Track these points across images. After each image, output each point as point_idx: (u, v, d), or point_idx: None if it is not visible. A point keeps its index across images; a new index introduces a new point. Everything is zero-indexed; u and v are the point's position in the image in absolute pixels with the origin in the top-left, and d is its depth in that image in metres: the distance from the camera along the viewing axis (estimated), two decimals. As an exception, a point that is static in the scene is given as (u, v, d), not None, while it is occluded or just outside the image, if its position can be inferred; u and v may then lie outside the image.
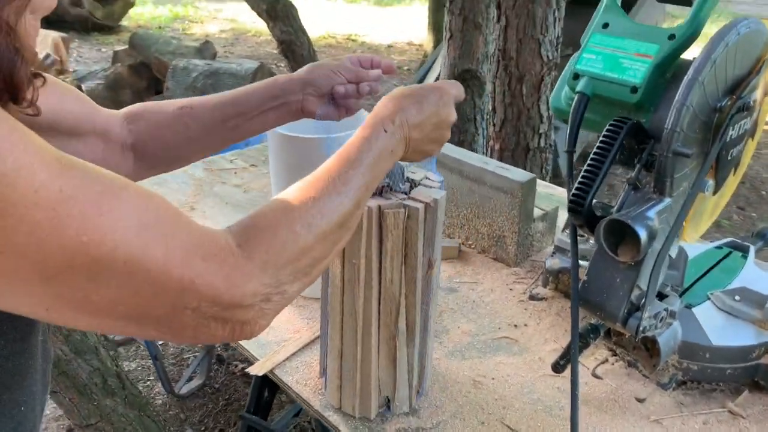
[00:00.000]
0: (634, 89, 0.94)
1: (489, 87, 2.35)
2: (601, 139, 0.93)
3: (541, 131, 2.21)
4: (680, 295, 1.15)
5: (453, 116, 0.87)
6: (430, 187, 0.93)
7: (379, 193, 0.91)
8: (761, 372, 1.07)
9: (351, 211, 0.69)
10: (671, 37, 0.93)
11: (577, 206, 0.92)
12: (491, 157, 2.23)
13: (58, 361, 1.30)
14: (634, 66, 0.95)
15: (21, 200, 0.45)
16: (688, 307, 1.12)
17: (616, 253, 0.91)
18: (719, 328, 1.08)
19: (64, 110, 0.82)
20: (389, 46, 7.47)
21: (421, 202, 0.89)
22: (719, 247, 1.29)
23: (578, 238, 1.20)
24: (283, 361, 1.15)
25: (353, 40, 7.73)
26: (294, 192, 0.68)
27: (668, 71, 0.95)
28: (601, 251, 0.94)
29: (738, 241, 1.30)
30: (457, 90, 0.89)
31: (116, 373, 1.41)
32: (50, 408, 2.22)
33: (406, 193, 0.91)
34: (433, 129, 0.83)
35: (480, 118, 2.48)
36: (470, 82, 2.38)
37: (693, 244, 1.33)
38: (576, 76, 1.00)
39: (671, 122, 0.88)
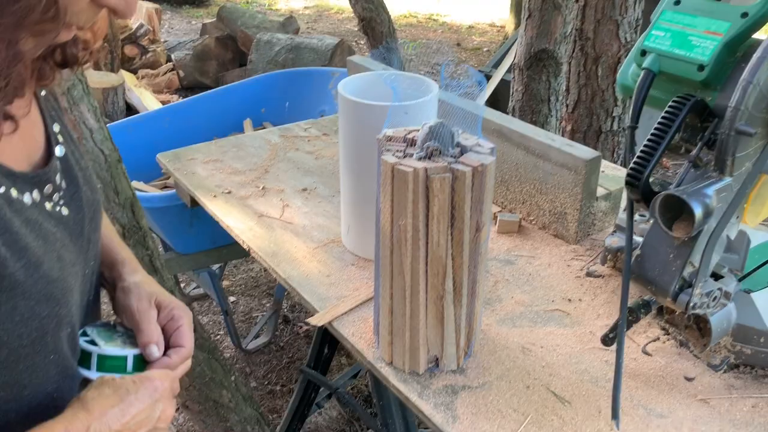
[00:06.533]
0: (701, 67, 0.94)
1: (564, 67, 2.32)
2: (662, 115, 0.94)
3: (614, 114, 2.17)
4: (740, 280, 1.14)
5: (170, 411, 0.74)
6: (480, 153, 0.96)
7: (428, 156, 0.94)
8: (819, 361, 1.05)
9: None
10: (744, 15, 0.92)
11: (634, 180, 0.93)
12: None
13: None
14: (703, 44, 0.95)
15: None
16: (748, 291, 1.11)
17: (671, 228, 0.92)
18: (777, 314, 1.06)
19: None
20: (470, 27, 7.41)
21: (468, 166, 0.92)
22: (789, 236, 1.26)
23: (641, 217, 1.21)
24: (342, 314, 1.21)
25: (434, 20, 7.71)
26: None
27: (738, 50, 0.94)
28: (656, 226, 0.95)
29: (810, 231, 1.26)
30: (171, 381, 0.74)
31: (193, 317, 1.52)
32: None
33: (455, 158, 0.95)
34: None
35: (554, 99, 2.46)
36: (546, 62, 2.37)
37: (762, 231, 1.31)
38: (643, 53, 1.00)
39: (735, 100, 0.88)
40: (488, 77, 3.90)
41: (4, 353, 0.60)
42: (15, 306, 0.60)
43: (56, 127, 0.75)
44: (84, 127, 1.22)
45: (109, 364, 0.74)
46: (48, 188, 0.69)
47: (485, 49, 6.55)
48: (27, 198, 0.65)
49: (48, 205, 0.69)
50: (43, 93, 0.75)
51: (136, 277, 0.86)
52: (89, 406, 0.65)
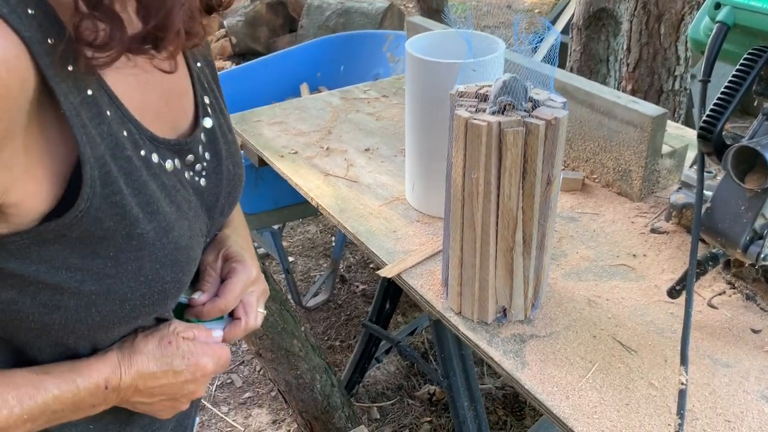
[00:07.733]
0: (778, 18, 0.93)
1: (625, 26, 2.28)
2: (737, 67, 0.94)
3: (676, 73, 2.14)
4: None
5: (198, 393, 0.75)
6: (553, 107, 0.98)
7: (502, 110, 0.97)
8: None
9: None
10: (825, -36, 0.91)
11: (707, 133, 0.94)
12: (622, 98, 2.19)
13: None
14: (781, -6, 0.94)
15: None
16: (818, 246, 1.11)
17: (743, 181, 0.93)
18: None
19: None
20: (521, -12, 7.26)
21: (542, 119, 0.95)
22: None
23: (707, 173, 1.21)
24: (410, 267, 1.26)
25: (484, -18, 7.56)
26: None
27: (818, 1, 0.93)
28: (728, 179, 0.96)
29: None
30: (217, 365, 0.74)
31: (263, 269, 1.59)
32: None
33: (528, 112, 0.97)
34: (164, 398, 0.72)
35: (613, 59, 2.43)
36: (605, 21, 2.33)
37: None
38: (717, 6, 1.00)
39: (814, 51, 0.88)
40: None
41: (127, 309, 0.63)
42: (141, 266, 0.62)
43: (207, 99, 0.76)
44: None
45: (176, 310, 0.76)
46: (189, 158, 0.70)
47: (536, 11, 6.42)
48: (168, 164, 0.67)
49: (187, 174, 0.70)
50: (198, 65, 0.76)
51: (223, 229, 0.86)
52: (133, 360, 0.67)
